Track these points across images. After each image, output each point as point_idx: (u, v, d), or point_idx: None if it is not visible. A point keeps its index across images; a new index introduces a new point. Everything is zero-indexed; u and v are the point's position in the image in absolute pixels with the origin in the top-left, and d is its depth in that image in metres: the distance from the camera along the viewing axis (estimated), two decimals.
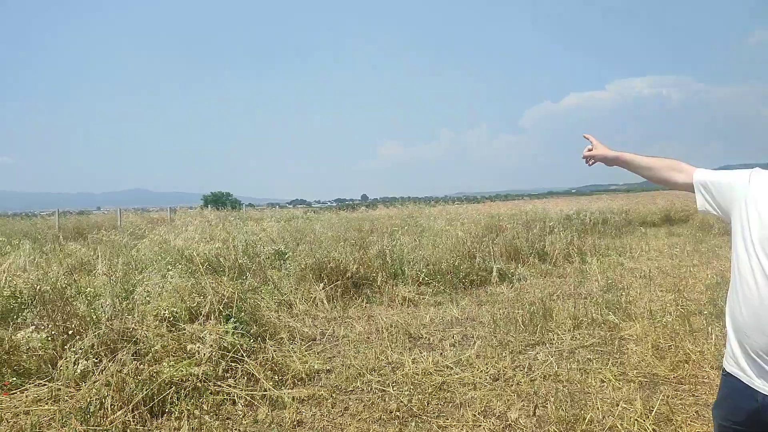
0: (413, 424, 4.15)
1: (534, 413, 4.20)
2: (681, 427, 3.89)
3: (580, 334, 6.19)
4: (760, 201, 1.88)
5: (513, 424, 4.07)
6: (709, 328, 5.87)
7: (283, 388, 4.82)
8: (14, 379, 4.66)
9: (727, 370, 2.01)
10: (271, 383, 4.79)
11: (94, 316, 5.40)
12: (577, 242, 13.33)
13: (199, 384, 4.60)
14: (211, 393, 4.58)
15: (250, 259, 9.90)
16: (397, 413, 4.34)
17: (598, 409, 4.21)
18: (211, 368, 4.79)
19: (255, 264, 9.64)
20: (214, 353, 4.91)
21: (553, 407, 4.25)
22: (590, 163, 2.55)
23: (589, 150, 2.55)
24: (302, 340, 6.26)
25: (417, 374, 5.13)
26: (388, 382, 5.00)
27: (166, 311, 5.48)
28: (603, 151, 2.50)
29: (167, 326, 5.30)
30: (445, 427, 4.09)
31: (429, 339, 6.35)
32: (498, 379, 4.99)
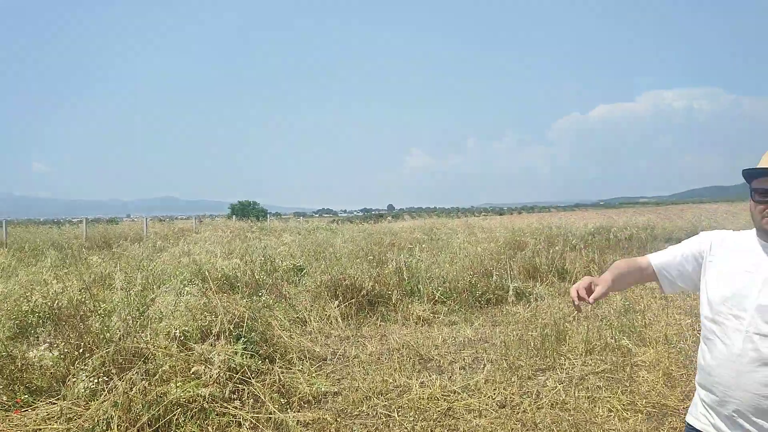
0: None
1: None
2: None
3: (591, 359, 6.11)
4: (720, 260, 1.99)
5: None
6: None
7: (289, 411, 4.84)
8: (26, 396, 4.76)
9: (697, 427, 2.03)
10: (276, 406, 4.82)
11: (108, 334, 5.49)
12: (598, 260, 13.19)
13: (205, 405, 4.65)
14: (217, 415, 4.62)
15: (267, 275, 9.99)
16: None
17: None
18: (218, 389, 4.84)
19: (272, 279, 9.73)
20: (221, 374, 4.96)
21: None
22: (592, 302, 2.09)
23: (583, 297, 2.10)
24: (313, 360, 6.29)
25: (423, 399, 5.12)
26: (393, 406, 5.00)
27: (178, 330, 5.55)
28: (604, 287, 2.06)
29: (177, 345, 5.37)
30: None
31: (439, 361, 6.34)
32: (504, 407, 4.95)
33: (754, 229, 2.03)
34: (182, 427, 4.40)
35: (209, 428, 4.45)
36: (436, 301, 9.18)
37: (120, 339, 5.31)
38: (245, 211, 60.35)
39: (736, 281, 1.92)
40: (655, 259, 2.18)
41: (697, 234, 2.16)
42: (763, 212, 1.91)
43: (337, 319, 8.07)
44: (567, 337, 6.78)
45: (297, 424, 4.58)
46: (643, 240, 18.62)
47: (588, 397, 5.07)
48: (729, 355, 1.87)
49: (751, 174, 1.97)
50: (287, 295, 8.85)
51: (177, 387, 4.68)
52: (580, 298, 2.01)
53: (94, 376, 4.71)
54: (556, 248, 13.03)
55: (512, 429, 4.48)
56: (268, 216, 50.55)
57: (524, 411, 4.82)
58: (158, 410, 4.41)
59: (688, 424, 2.10)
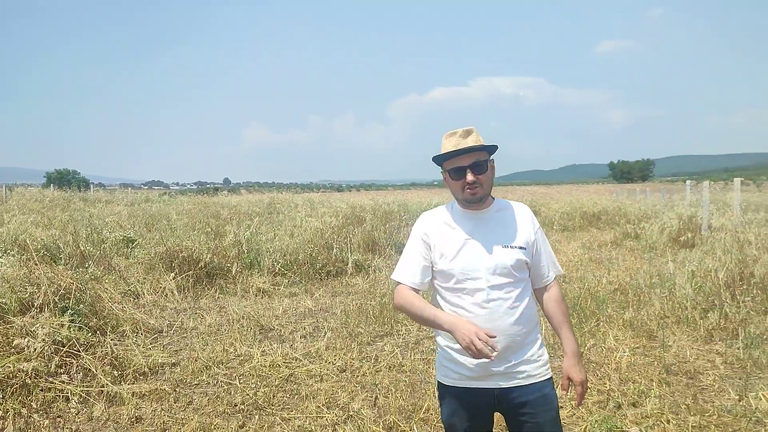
0: (257, 417, 4.17)
1: (375, 403, 4.36)
2: None
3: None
4: (443, 238, 2.30)
5: (355, 414, 4.20)
6: (541, 320, 6.36)
7: (122, 383, 4.63)
8: None
9: (450, 384, 2.30)
10: (109, 378, 4.58)
11: None
12: None
13: (28, 381, 4.30)
14: (41, 390, 4.30)
15: (93, 246, 9.35)
16: (242, 406, 4.33)
17: (434, 398, 4.44)
18: (43, 364, 4.49)
19: (99, 251, 9.13)
20: (46, 348, 4.60)
21: (395, 397, 4.45)
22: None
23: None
24: (147, 332, 6.04)
25: (265, 367, 5.13)
26: (235, 375, 4.96)
27: None
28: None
29: None
30: (289, 419, 4.14)
31: (280, 331, 6.37)
32: (345, 371, 5.12)
33: (451, 203, 2.39)
34: (1, 404, 4.04)
35: (32, 405, 4.13)
36: (276, 273, 9.17)
37: None
38: (64, 180, 55.60)
39: (466, 249, 2.24)
40: (411, 279, 2.30)
41: (417, 224, 2.38)
42: (462, 186, 2.24)
43: (172, 292, 7.78)
44: None
45: (132, 396, 4.39)
46: None
47: (423, 359, 5.39)
48: (479, 312, 2.19)
49: (441, 159, 2.30)
50: (117, 268, 8.36)
51: None
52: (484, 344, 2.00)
53: None
54: (393, 223, 13.54)
55: (352, 391, 4.64)
56: (92, 186, 47.00)
57: (364, 374, 5.01)
58: None
59: (440, 383, 2.36)
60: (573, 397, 2.41)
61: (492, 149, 2.31)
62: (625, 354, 5.34)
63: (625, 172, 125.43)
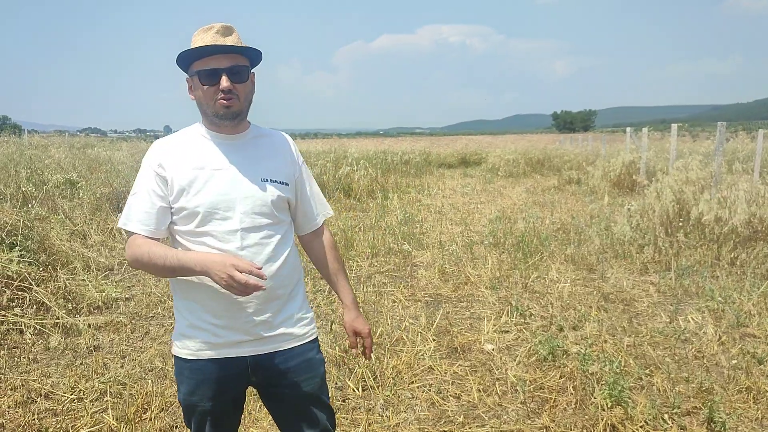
0: None
1: (331, 330, 4.53)
2: (456, 336, 4.45)
3: (377, 261, 6.67)
4: (181, 173, 1.78)
5: None
6: (487, 256, 6.64)
7: (77, 316, 4.65)
8: None
9: (202, 357, 1.82)
10: (63, 311, 4.59)
11: None
12: (381, 180, 14.04)
13: None
14: None
15: (36, 187, 9.10)
16: None
17: (388, 324, 4.64)
18: None
19: (42, 192, 8.90)
20: None
21: None
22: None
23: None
24: (98, 270, 6.01)
25: None
26: None
27: None
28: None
29: None
30: None
31: None
32: None
33: (193, 126, 1.90)
34: None
35: None
36: None
37: None
38: None
39: (214, 182, 1.77)
40: (145, 227, 1.75)
41: (149, 155, 1.83)
42: (215, 94, 1.75)
43: (120, 232, 7.70)
44: (354, 244, 7.27)
45: (89, 327, 4.43)
46: (418, 164, 20.09)
47: (375, 292, 5.58)
48: None
49: (189, 58, 1.79)
50: (62, 209, 8.19)
51: None
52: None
53: None
54: (343, 169, 13.61)
55: None
56: (26, 132, 45.05)
57: (318, 305, 5.17)
58: None
59: (177, 358, 1.87)
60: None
61: (255, 56, 1.84)
62: (567, 284, 5.65)
63: (568, 122, 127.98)
